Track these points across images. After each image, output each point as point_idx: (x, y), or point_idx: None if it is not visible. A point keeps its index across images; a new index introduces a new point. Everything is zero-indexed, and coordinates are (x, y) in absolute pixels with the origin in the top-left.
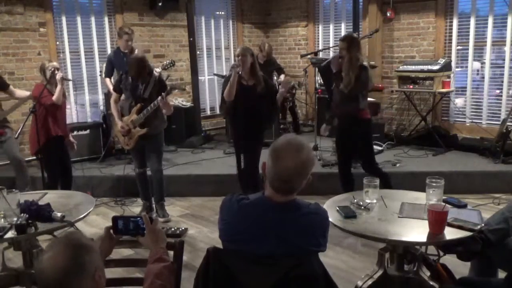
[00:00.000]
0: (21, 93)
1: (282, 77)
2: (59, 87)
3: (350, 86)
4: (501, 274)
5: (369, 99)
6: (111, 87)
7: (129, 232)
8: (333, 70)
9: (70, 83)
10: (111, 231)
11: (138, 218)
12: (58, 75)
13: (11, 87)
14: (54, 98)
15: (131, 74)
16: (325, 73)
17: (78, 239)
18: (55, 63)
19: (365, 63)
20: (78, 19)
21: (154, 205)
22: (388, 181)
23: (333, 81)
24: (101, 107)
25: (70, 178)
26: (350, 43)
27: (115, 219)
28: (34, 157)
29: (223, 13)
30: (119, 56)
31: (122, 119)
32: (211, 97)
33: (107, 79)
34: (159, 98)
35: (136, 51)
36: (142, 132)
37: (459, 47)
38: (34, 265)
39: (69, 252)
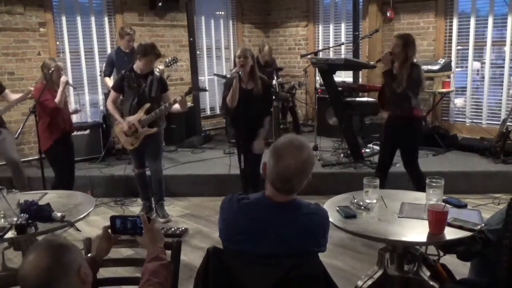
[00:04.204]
0: (14, 97)
1: (274, 81)
2: (60, 89)
3: (402, 85)
4: None
5: (368, 99)
6: (110, 87)
7: (127, 232)
8: (385, 67)
9: (71, 81)
10: (109, 230)
11: (136, 218)
12: (63, 78)
13: (7, 90)
14: (56, 100)
15: (142, 56)
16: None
17: (56, 240)
18: (59, 63)
19: (415, 60)
20: (78, 19)
21: (154, 205)
22: (423, 184)
23: (384, 79)
24: (101, 107)
25: (73, 177)
26: (406, 41)
27: (113, 219)
28: (36, 157)
29: (223, 13)
30: (120, 56)
31: (127, 118)
32: (211, 97)
33: (107, 78)
34: (178, 98)
35: None
36: (151, 132)
37: (459, 47)
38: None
39: (51, 253)
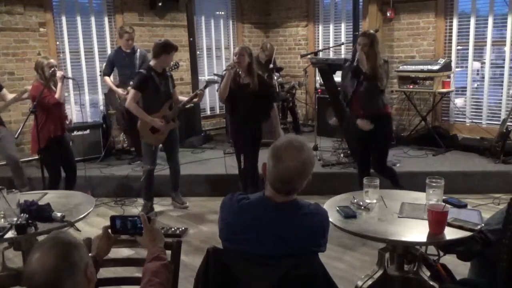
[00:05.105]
0: (11, 97)
1: (275, 77)
2: (59, 85)
3: (383, 82)
4: None
5: None
6: (112, 85)
7: (127, 232)
8: (363, 69)
9: (70, 82)
10: (109, 230)
11: (136, 218)
12: (59, 73)
13: (4, 90)
14: (56, 96)
15: (167, 53)
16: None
17: (64, 238)
18: (52, 61)
19: (386, 58)
20: (78, 19)
21: (172, 194)
22: (397, 179)
23: (363, 80)
24: (101, 107)
25: (75, 172)
26: (372, 39)
27: (113, 219)
28: (35, 157)
29: (223, 13)
30: (121, 56)
31: (153, 116)
32: (211, 97)
33: (107, 78)
34: (199, 91)
35: (138, 51)
36: (175, 126)
37: (459, 47)
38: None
39: (58, 251)
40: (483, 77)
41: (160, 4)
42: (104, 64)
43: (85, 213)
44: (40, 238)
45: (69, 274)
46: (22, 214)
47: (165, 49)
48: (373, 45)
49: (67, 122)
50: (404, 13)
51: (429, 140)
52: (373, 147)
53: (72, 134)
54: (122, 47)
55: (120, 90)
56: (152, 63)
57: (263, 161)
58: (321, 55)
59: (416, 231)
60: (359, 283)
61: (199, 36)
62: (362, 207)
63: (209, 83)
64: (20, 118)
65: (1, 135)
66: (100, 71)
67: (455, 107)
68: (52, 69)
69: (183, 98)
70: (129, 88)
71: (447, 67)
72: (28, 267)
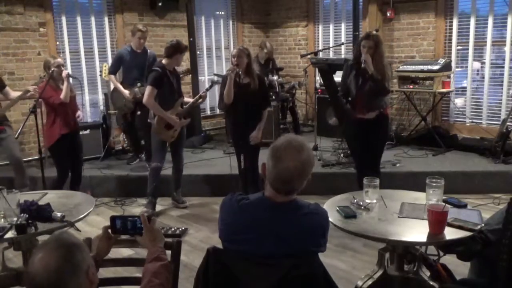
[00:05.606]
0: (15, 94)
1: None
2: (65, 84)
3: (388, 82)
4: None
5: None
6: (118, 85)
7: (127, 232)
8: (370, 71)
9: (71, 81)
10: (109, 230)
11: (136, 218)
12: (64, 73)
13: (7, 88)
14: (62, 96)
15: (180, 53)
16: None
17: (67, 239)
18: (59, 60)
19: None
20: (78, 19)
21: (173, 193)
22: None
23: (367, 80)
24: (101, 107)
25: (79, 173)
26: (377, 40)
27: (113, 219)
28: (36, 157)
29: (223, 13)
30: (132, 57)
31: (172, 112)
32: (211, 97)
33: (112, 76)
34: (204, 92)
35: (148, 52)
36: (187, 123)
37: (459, 47)
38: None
39: (61, 252)
40: (483, 77)
41: (160, 4)
42: (104, 64)
43: (85, 213)
44: (40, 238)
45: (71, 275)
46: (22, 214)
47: (179, 49)
48: (378, 47)
49: (78, 118)
50: (404, 13)
51: (429, 140)
52: (370, 147)
53: None
54: (133, 47)
55: (126, 91)
56: (164, 61)
57: (263, 161)
58: (321, 55)
59: (416, 231)
60: (359, 283)
61: (199, 36)
62: (362, 207)
63: (213, 83)
64: (20, 118)
65: (6, 134)
66: (100, 71)
67: (455, 107)
68: (53, 68)
69: (188, 99)
70: (136, 89)
71: (447, 67)
72: (30, 267)
